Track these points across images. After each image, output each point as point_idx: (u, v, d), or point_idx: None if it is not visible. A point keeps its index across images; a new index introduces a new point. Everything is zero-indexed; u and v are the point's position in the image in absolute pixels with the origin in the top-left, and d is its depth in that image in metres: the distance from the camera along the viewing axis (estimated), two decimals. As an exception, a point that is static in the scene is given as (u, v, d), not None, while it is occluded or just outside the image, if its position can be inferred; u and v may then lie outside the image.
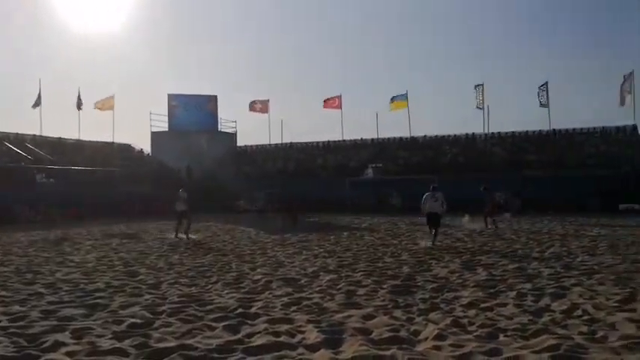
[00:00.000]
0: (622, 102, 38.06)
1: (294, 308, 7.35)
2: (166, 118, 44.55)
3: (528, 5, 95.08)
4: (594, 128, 38.86)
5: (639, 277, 9.26)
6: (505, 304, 7.38)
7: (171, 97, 44.89)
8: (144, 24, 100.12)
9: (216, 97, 46.15)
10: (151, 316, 6.93)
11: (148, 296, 8.28)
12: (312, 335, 5.96)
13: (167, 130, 44.58)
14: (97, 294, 8.47)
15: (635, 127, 37.53)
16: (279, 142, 46.30)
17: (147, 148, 44.97)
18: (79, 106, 41.81)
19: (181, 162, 40.40)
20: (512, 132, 40.56)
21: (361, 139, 43.84)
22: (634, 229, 18.91)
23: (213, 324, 6.52)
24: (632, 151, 34.78)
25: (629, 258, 11.59)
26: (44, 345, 5.72)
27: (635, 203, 29.77)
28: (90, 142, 41.24)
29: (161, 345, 5.68)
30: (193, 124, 43.91)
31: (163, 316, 6.97)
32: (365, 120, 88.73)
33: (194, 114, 44.60)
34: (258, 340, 5.80)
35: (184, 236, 17.85)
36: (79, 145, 39.82)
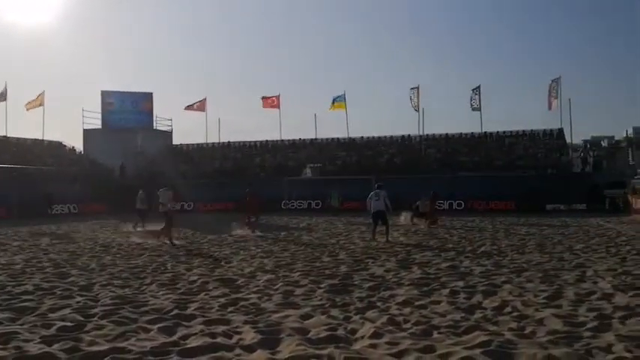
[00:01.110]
0: (549, 106, 39.66)
1: (231, 309, 7.28)
2: (100, 115, 43.29)
3: (464, 12, 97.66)
4: (523, 131, 40.38)
5: (565, 274, 9.67)
6: (439, 302, 7.55)
7: (106, 94, 43.68)
8: (77, 18, 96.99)
9: (151, 94, 45.27)
10: (83, 319, 6.71)
11: (79, 298, 8.01)
12: (249, 336, 5.93)
13: (100, 127, 43.32)
14: (25, 297, 8.13)
15: (561, 130, 39.22)
16: (217, 141, 45.80)
17: (79, 145, 43.66)
18: (2, 97, 39.88)
19: (115, 160, 39.34)
20: (446, 134, 41.64)
21: (300, 139, 43.93)
22: (559, 228, 19.74)
23: (148, 326, 6.37)
24: (558, 153, 36.36)
25: (556, 256, 12.09)
26: (-33, 351, 5.45)
27: (561, 203, 31.15)
28: (18, 138, 39.61)
29: (93, 348, 5.51)
30: (128, 122, 42.89)
31: (95, 318, 6.76)
32: (303, 120, 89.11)
33: (129, 111, 43.59)
34: (194, 342, 5.71)
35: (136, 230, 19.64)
36: (5, 142, 38.15)
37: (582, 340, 5.59)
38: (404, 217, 22.12)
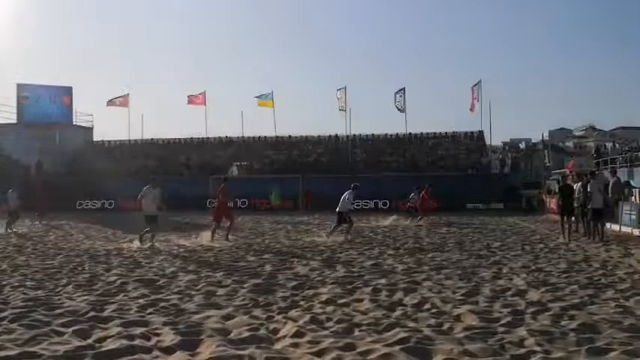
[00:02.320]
0: (472, 109, 40.97)
1: (150, 310, 7.09)
2: (15, 110, 41.22)
3: (389, 13, 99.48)
4: (446, 133, 41.58)
5: (483, 271, 10.01)
6: (361, 300, 7.63)
7: (21, 87, 41.59)
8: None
9: (71, 88, 43.44)
10: (-10, 323, 6.37)
11: (-13, 302, 7.60)
12: (169, 337, 5.79)
13: (15, 122, 41.25)
14: None
15: (481, 132, 40.66)
16: (140, 137, 44.56)
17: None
18: None
19: (31, 157, 37.59)
20: (372, 134, 42.29)
21: (226, 137, 43.43)
22: (477, 227, 20.45)
23: (62, 329, 6.11)
24: (479, 155, 37.68)
25: (474, 254, 12.50)
26: None
27: (480, 203, 32.30)
28: None
29: (1, 354, 5.24)
30: (46, 117, 40.99)
31: (5, 322, 6.42)
32: (230, 118, 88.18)
33: (47, 106, 41.66)
34: (111, 345, 5.53)
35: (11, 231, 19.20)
36: None
37: (497, 336, 5.79)
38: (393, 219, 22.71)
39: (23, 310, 7.04)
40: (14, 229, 19.74)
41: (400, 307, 7.18)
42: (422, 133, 41.86)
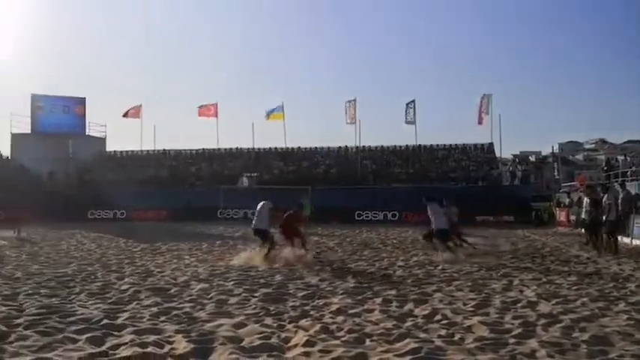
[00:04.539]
0: (480, 121, 40.94)
1: (163, 318, 7.15)
2: (29, 120, 41.66)
3: (400, 25, 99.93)
4: (456, 145, 41.56)
5: (493, 283, 10.00)
6: (372, 310, 7.66)
7: (36, 98, 42.04)
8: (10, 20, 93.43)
9: (84, 99, 43.82)
10: (6, 329, 6.44)
11: (2, 308, 7.69)
12: (181, 345, 5.84)
13: (30, 132, 41.67)
14: (-57, 307, 7.75)
15: (491, 145, 40.62)
16: (152, 148, 44.88)
17: (6, 150, 41.89)
18: None
19: (45, 166, 37.93)
20: (382, 146, 42.31)
21: (237, 148, 43.63)
22: (488, 239, 20.36)
23: (76, 336, 6.18)
24: (489, 167, 37.63)
25: (485, 266, 12.48)
26: None
27: (490, 215, 32.15)
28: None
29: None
30: (59, 127, 41.40)
31: (19, 329, 6.51)
32: (241, 129, 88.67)
33: (60, 116, 42.08)
34: (124, 352, 5.60)
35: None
36: None
37: (508, 347, 5.80)
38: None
39: (37, 317, 7.12)
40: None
41: (411, 318, 7.20)
42: (432, 145, 41.85)
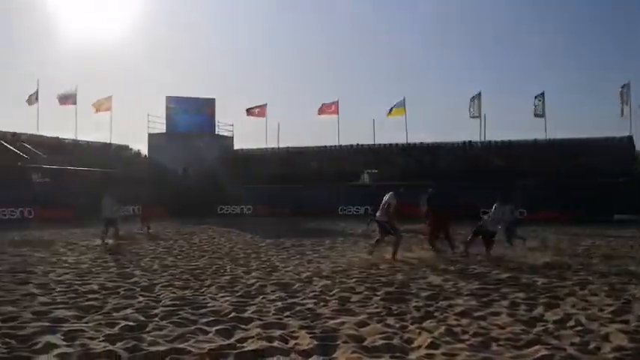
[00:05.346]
0: (622, 113, 38.21)
1: (287, 313, 7.34)
2: (164, 120, 44.48)
3: (530, 17, 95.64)
4: (588, 138, 39.01)
5: (633, 288, 9.26)
6: (498, 314, 7.37)
7: (169, 100, 44.79)
8: (144, 27, 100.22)
9: (214, 99, 46.08)
10: (144, 319, 6.92)
11: (141, 298, 8.26)
12: (305, 341, 5.95)
13: (164, 132, 44.48)
14: (91, 295, 8.45)
15: (630, 138, 37.66)
16: (276, 146, 46.28)
17: (143, 149, 45.03)
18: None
19: (178, 164, 40.33)
20: (509, 140, 40.64)
21: (358, 144, 43.86)
22: (628, 239, 18.92)
23: (206, 328, 6.50)
24: (628, 161, 34.95)
25: (623, 269, 11.59)
26: (36, 347, 5.69)
27: (631, 214, 29.86)
28: (87, 142, 41.20)
29: (153, 348, 5.67)
30: (191, 127, 43.83)
31: (156, 319, 6.95)
32: (361, 126, 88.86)
33: (192, 116, 44.50)
34: (252, 345, 5.79)
35: None
36: (76, 145, 39.71)
37: (650, 359, 5.36)
38: None
39: (172, 308, 7.57)
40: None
41: (541, 323, 6.85)
42: (563, 139, 39.56)
